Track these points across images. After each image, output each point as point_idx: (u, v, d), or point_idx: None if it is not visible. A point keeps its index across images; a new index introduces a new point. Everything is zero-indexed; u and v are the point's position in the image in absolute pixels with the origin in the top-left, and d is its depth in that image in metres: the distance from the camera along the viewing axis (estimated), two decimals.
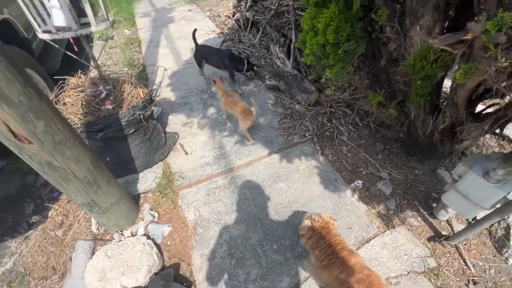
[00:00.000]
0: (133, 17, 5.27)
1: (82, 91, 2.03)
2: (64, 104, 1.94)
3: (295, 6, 2.72)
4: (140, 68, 3.58)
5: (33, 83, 1.13)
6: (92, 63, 2.16)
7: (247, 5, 3.47)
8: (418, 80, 1.38)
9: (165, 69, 3.48)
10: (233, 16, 4.42)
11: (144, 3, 6.09)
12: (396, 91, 1.74)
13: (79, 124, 1.88)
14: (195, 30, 3.08)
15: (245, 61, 2.84)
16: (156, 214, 1.90)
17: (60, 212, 1.98)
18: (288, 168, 2.15)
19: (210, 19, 4.91)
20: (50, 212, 2.01)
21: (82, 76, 2.12)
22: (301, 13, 2.67)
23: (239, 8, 3.76)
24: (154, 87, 3.18)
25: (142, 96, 2.13)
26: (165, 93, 3.08)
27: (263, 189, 2.00)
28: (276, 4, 2.96)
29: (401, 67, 1.37)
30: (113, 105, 2.03)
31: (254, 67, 2.93)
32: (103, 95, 2.08)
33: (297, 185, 2.02)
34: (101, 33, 4.37)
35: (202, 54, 3.01)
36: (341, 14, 1.42)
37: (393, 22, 1.35)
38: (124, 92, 2.13)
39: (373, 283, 1.09)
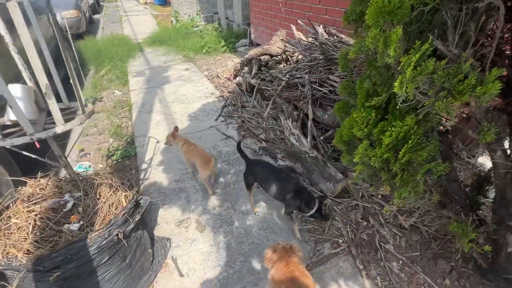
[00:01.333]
0: (126, 76, 4.99)
1: (37, 203, 1.46)
2: (8, 227, 1.35)
3: (311, 80, 2.40)
4: (128, 140, 3.09)
5: None
6: (61, 161, 1.62)
7: (253, 73, 3.18)
8: None
9: (157, 141, 3.00)
10: (234, 78, 4.17)
11: (139, 60, 5.92)
12: (481, 219, 1.27)
13: (24, 261, 1.27)
14: (239, 142, 2.22)
15: (316, 204, 1.77)
16: None
17: None
18: None
19: (208, 79, 4.66)
20: None
21: (42, 180, 1.57)
22: (320, 88, 2.33)
23: (241, 73, 3.49)
24: (143, 166, 2.65)
25: (125, 204, 1.57)
26: (156, 174, 2.54)
27: None
28: (288, 76, 2.65)
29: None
30: (81, 223, 1.45)
31: (327, 220, 1.99)
32: (68, 205, 1.51)
33: None
34: (87, 95, 3.98)
35: (256, 175, 2.02)
36: (420, 128, 0.98)
37: (501, 146, 0.92)
38: (99, 198, 1.58)
39: None
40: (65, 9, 7.79)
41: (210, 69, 5.22)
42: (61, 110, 1.61)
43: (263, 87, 3.01)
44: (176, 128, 2.44)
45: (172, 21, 9.35)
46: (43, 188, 1.53)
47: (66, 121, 1.58)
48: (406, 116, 0.98)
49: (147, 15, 11.95)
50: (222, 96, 3.90)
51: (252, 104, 3.34)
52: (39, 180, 1.55)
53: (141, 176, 2.53)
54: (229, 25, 7.45)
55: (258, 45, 6.10)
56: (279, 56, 3.42)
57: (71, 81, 1.64)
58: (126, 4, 16.00)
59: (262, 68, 3.17)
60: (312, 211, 1.77)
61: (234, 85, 3.93)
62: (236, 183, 2.40)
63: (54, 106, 1.31)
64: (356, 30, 1.37)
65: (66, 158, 1.62)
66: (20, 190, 1.49)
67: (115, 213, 1.51)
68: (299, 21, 3.35)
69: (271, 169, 2.01)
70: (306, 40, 3.13)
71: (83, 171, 2.64)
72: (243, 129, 3.12)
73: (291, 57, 3.38)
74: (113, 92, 4.42)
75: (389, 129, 1.00)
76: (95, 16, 12.91)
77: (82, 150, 3.01)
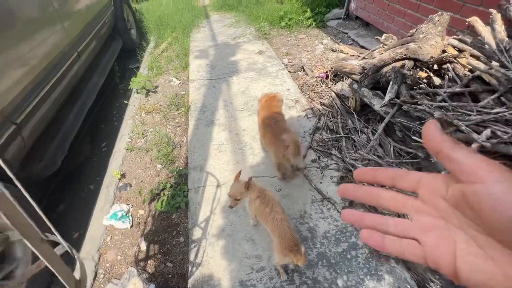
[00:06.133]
0: (187, 56, 4.05)
1: None
2: None
3: None
4: (180, 172, 2.20)
5: None
6: None
7: (387, 97, 1.81)
8: None
9: (218, 185, 2.05)
10: (332, 76, 2.83)
11: (204, 33, 4.88)
12: None
13: None
14: None
15: None
16: None
17: None
18: None
19: (290, 71, 3.40)
20: None
21: None
22: None
23: (349, 81, 2.16)
24: (195, 233, 1.75)
25: None
26: (213, 258, 1.63)
27: None
28: (486, 135, 1.27)
29: None
30: None
31: None
32: None
33: None
34: (140, 85, 3.18)
35: None
36: None
37: None
38: None
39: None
40: None
41: (291, 53, 3.90)
42: None
43: (402, 122, 1.68)
44: (239, 174, 1.61)
45: None
46: None
47: None
48: None
49: None
50: (312, 109, 2.67)
51: (366, 139, 2.07)
52: None
53: (191, 258, 1.65)
54: None
55: (357, 18, 4.42)
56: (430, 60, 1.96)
57: None
58: None
59: (410, 92, 1.79)
60: None
61: (333, 93, 2.63)
62: None
63: None
64: None
65: None
66: None
67: None
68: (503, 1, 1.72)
69: None
70: None
71: (119, 221, 1.91)
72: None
73: (454, 63, 1.90)
74: (170, 80, 3.55)
75: None
76: None
77: (123, 176, 2.26)
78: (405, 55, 1.88)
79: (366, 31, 4.18)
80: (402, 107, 1.69)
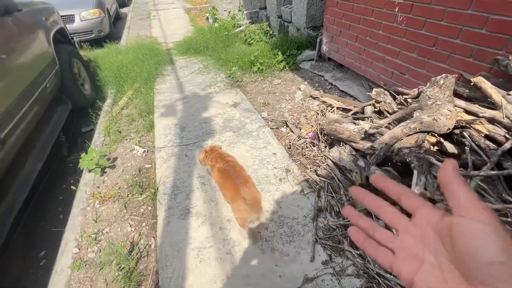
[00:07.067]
0: (152, 113, 3.53)
1: None
2: None
3: None
4: None
5: None
6: None
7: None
8: None
9: None
10: (324, 138, 2.47)
11: (170, 82, 4.43)
12: None
13: None
14: None
15: None
16: None
17: None
18: None
19: (272, 128, 3.02)
20: None
21: None
22: None
23: (359, 162, 1.79)
24: None
25: None
26: None
27: None
28: None
29: None
30: None
31: None
32: None
33: None
34: (92, 164, 2.55)
35: None
36: None
37: None
38: None
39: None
40: (85, 8, 6.54)
41: (269, 103, 3.57)
42: None
43: None
44: None
45: (208, 18, 7.74)
46: None
47: None
48: None
49: (178, 9, 10.45)
50: (308, 180, 2.25)
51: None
52: None
53: None
54: (282, 27, 5.66)
55: (330, 60, 4.30)
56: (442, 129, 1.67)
57: None
58: None
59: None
60: None
61: (329, 161, 2.26)
62: None
63: None
64: None
65: None
66: None
67: None
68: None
69: None
70: None
71: None
72: None
73: (468, 129, 1.63)
74: (132, 148, 2.98)
75: None
76: (123, 10, 11.75)
77: None
78: (419, 129, 1.57)
79: (342, 73, 4.03)
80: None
